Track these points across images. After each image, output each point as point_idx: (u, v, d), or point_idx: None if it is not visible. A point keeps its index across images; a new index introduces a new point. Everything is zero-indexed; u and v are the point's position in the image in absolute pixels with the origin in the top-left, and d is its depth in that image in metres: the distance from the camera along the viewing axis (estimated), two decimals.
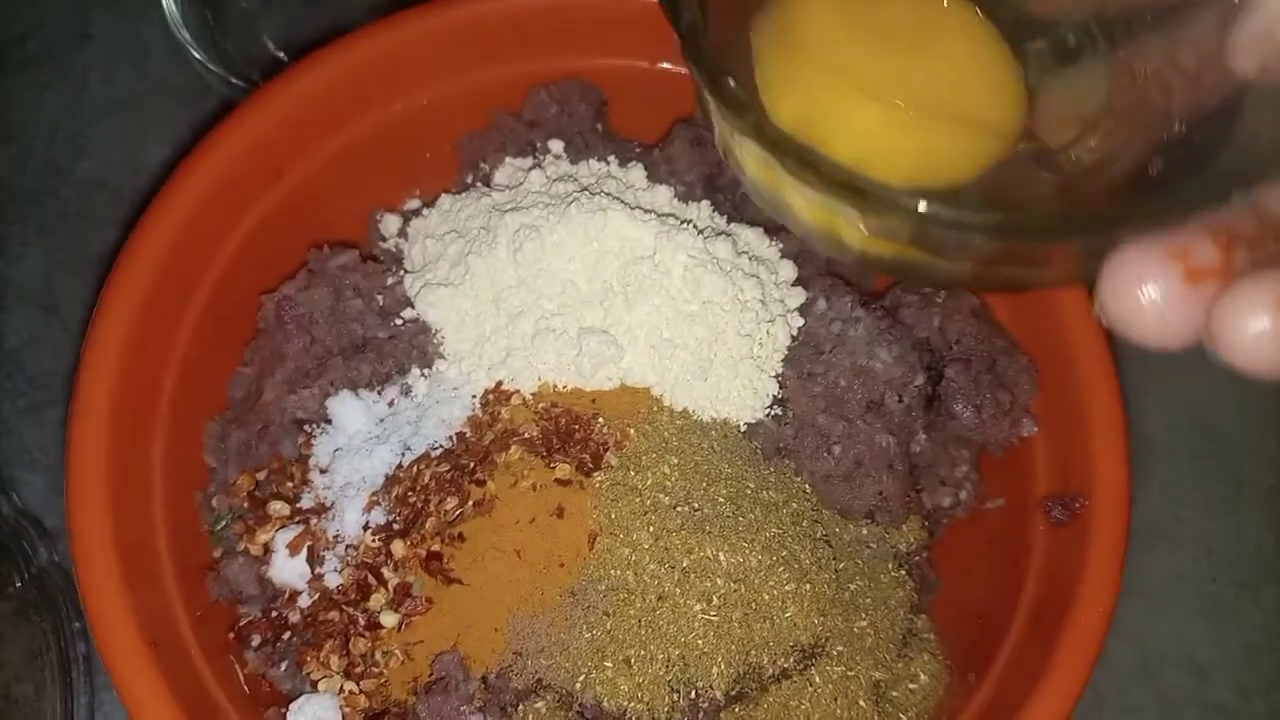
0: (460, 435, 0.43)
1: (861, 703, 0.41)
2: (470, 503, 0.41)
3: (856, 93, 0.30)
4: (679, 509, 0.40)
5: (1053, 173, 0.32)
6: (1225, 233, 0.24)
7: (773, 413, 0.44)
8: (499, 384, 0.44)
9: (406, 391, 0.45)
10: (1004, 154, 0.31)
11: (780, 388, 0.44)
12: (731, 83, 0.28)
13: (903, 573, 0.45)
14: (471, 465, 0.42)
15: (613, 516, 0.40)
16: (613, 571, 0.39)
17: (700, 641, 0.38)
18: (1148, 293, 0.23)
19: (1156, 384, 0.64)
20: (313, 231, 0.49)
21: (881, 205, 0.26)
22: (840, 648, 0.41)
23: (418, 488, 0.42)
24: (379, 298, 0.46)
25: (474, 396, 0.44)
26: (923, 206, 0.25)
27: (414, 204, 0.52)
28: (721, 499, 0.41)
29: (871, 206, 0.26)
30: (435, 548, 0.41)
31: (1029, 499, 0.46)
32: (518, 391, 0.43)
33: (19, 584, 0.52)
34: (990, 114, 0.31)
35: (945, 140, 0.31)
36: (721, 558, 0.39)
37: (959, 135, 0.31)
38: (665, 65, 0.52)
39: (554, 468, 0.41)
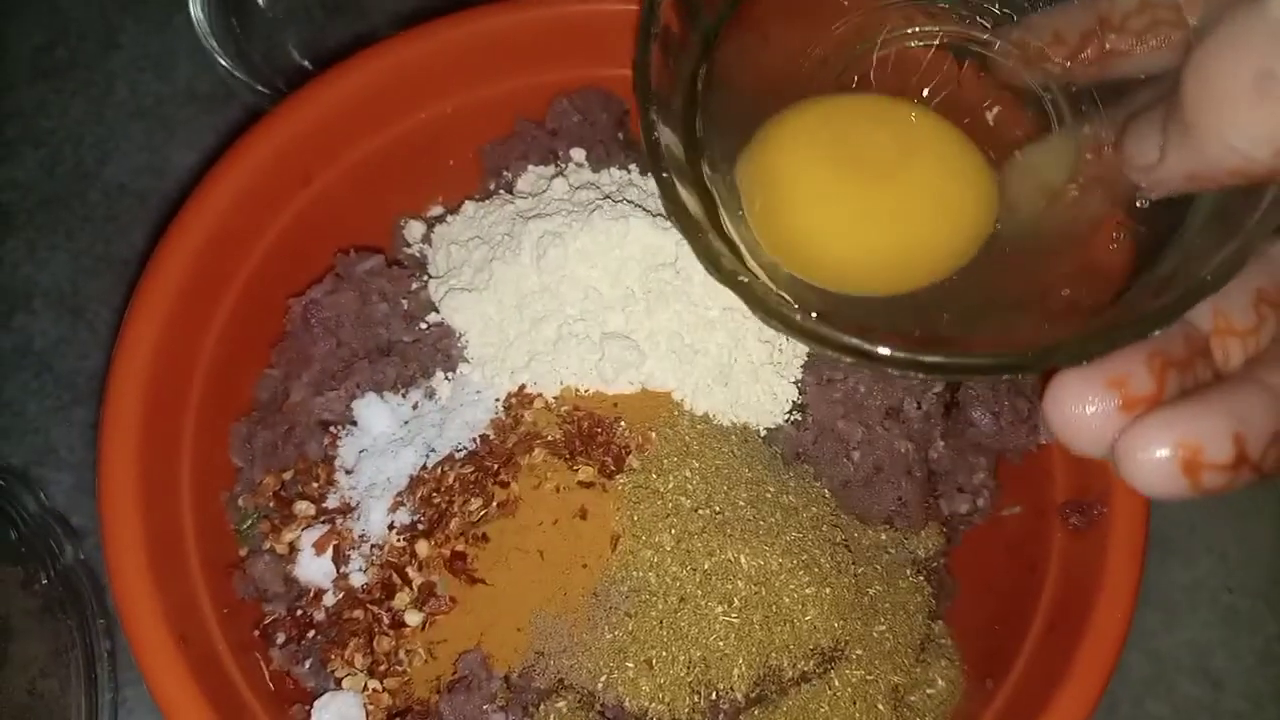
0: (484, 438, 0.43)
1: (880, 707, 0.41)
2: (494, 504, 0.42)
3: (830, 223, 0.33)
4: (700, 511, 0.41)
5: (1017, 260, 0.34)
6: (1160, 359, 0.27)
7: (792, 418, 0.45)
8: (522, 387, 0.44)
9: (430, 394, 0.45)
10: (972, 255, 0.33)
11: (800, 393, 0.45)
12: (710, 238, 0.32)
13: (921, 578, 0.45)
14: (495, 467, 0.42)
15: (635, 518, 0.41)
16: (635, 573, 0.40)
17: (721, 643, 0.39)
18: (1088, 416, 0.26)
19: None
20: (339, 237, 0.50)
21: (841, 350, 0.30)
22: (859, 652, 0.41)
23: (442, 489, 0.42)
24: (404, 302, 0.47)
25: (497, 400, 0.44)
26: (883, 351, 0.29)
27: (437, 210, 0.53)
28: (742, 502, 0.41)
29: (830, 349, 0.30)
30: (459, 548, 0.41)
31: (1047, 506, 0.46)
32: (540, 395, 0.44)
33: (45, 581, 0.52)
34: (959, 223, 0.33)
35: (916, 255, 0.33)
36: (743, 560, 0.39)
37: (928, 249, 0.33)
38: None
39: (577, 470, 0.42)
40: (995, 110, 0.36)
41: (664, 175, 0.32)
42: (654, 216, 0.45)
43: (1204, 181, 0.28)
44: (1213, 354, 0.29)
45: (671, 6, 0.34)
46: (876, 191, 0.33)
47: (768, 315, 0.31)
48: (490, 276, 0.45)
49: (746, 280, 0.31)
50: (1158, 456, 0.25)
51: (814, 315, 0.31)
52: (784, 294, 0.32)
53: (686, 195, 0.32)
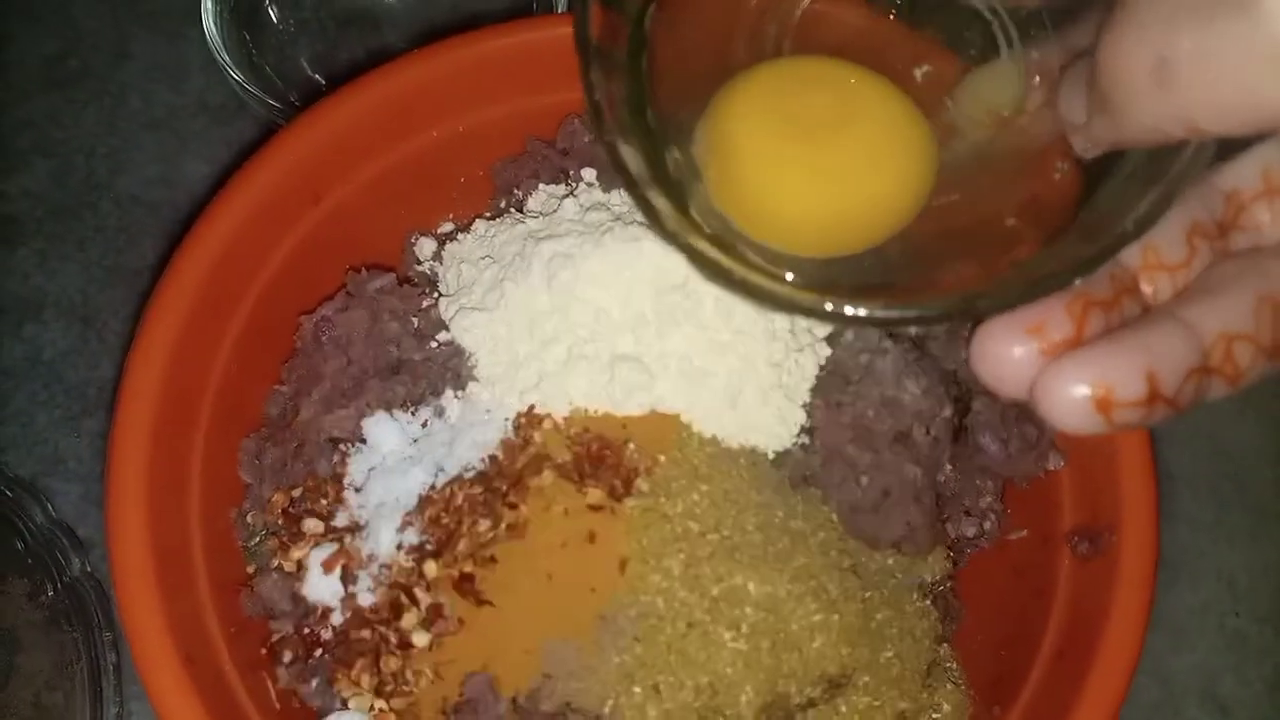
0: (493, 458, 0.43)
1: None
2: (503, 525, 0.42)
3: (777, 185, 0.34)
4: (709, 536, 0.41)
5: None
6: (1082, 300, 0.28)
7: (800, 441, 0.45)
8: (531, 408, 0.44)
9: (440, 413, 0.45)
10: (917, 210, 0.33)
11: (808, 416, 0.45)
12: (652, 194, 0.32)
13: (928, 603, 0.45)
14: (504, 488, 0.42)
15: (644, 543, 0.41)
16: (643, 598, 0.40)
17: (729, 670, 0.39)
18: (1011, 361, 0.27)
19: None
20: (349, 254, 0.50)
21: (787, 306, 0.31)
22: (866, 678, 0.41)
23: (451, 509, 0.42)
24: (414, 320, 0.47)
25: (506, 420, 0.44)
26: (828, 306, 0.30)
27: (447, 227, 0.53)
28: (751, 527, 0.41)
29: (778, 306, 0.31)
30: (467, 569, 0.41)
31: (1054, 531, 0.46)
32: (550, 416, 0.44)
33: (51, 593, 0.53)
34: (900, 185, 0.33)
35: (858, 214, 0.34)
36: (751, 587, 0.39)
37: (871, 209, 0.33)
38: None
39: (586, 493, 0.42)
40: (924, 68, 0.36)
41: (606, 136, 0.32)
42: None
43: (1130, 145, 0.29)
44: (1142, 289, 0.29)
45: None
46: (823, 152, 0.34)
47: (714, 276, 0.31)
48: (501, 296, 0.45)
49: (689, 241, 0.31)
50: (1072, 396, 0.26)
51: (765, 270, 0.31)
52: (733, 256, 0.32)
53: (630, 154, 0.32)
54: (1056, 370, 0.26)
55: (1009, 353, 0.27)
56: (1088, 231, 0.30)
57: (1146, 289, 0.29)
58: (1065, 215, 0.31)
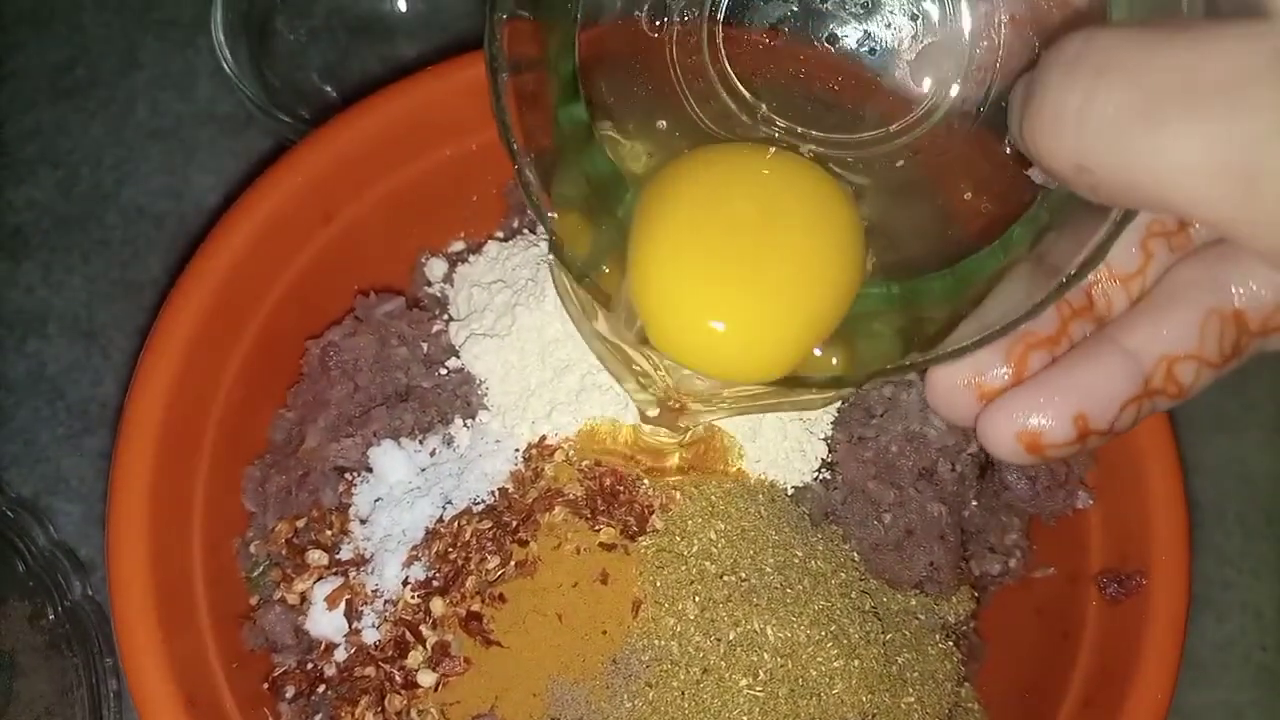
0: (503, 491, 0.42)
1: None
2: (512, 563, 0.40)
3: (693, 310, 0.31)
4: (726, 578, 0.39)
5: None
6: (1021, 344, 0.29)
7: (821, 477, 0.43)
8: (543, 439, 0.43)
9: (449, 442, 0.44)
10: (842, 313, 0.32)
11: (830, 450, 0.44)
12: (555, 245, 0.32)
13: (950, 644, 0.44)
14: (514, 524, 0.41)
15: (658, 584, 0.39)
16: (657, 641, 0.39)
17: (745, 717, 0.38)
18: (956, 403, 0.29)
19: (1202, 442, 0.63)
20: (358, 275, 0.49)
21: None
22: None
23: (458, 544, 0.41)
24: (424, 346, 0.46)
25: (517, 450, 0.43)
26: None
27: (459, 247, 0.52)
28: (769, 568, 0.40)
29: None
30: (475, 608, 0.40)
31: (1082, 571, 0.45)
32: (561, 447, 0.43)
33: (52, 617, 0.52)
34: (829, 288, 0.32)
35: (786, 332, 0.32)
36: (769, 632, 0.38)
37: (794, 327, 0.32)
38: None
39: (598, 530, 0.41)
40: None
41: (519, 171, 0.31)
42: None
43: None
44: (1095, 304, 0.30)
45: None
46: (745, 267, 0.31)
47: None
48: (513, 322, 0.44)
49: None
50: (1004, 438, 0.28)
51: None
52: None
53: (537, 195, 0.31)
54: (991, 413, 0.28)
55: (953, 391, 0.29)
56: (1038, 258, 0.30)
57: (1100, 303, 0.29)
58: (1018, 190, 0.31)
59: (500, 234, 0.51)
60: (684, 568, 0.40)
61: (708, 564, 0.40)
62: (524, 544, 0.40)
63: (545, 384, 0.43)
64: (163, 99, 0.66)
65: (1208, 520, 0.62)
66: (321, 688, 0.42)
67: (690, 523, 0.41)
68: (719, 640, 0.38)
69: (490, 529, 0.41)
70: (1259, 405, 0.64)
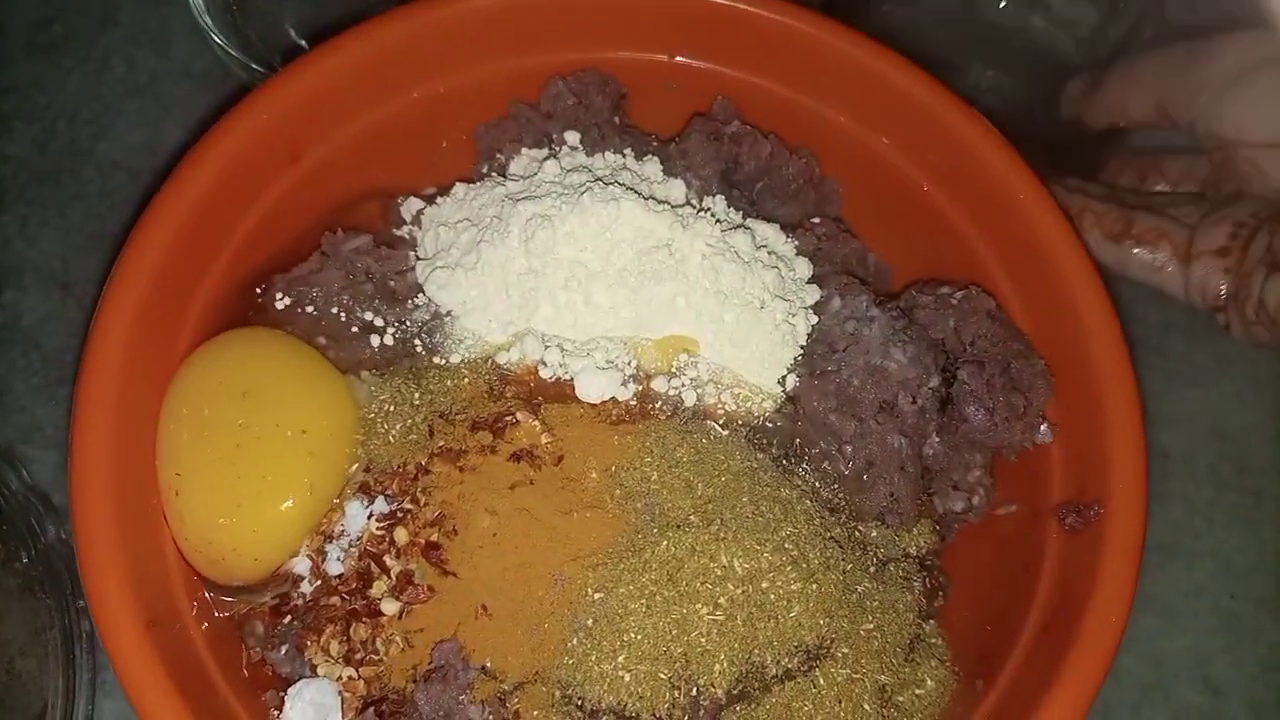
0: (471, 419, 0.42)
1: (866, 706, 0.40)
2: (472, 495, 0.41)
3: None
4: (687, 504, 0.40)
5: None
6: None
7: (784, 410, 0.44)
8: (506, 369, 0.43)
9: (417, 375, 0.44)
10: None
11: (791, 373, 0.44)
12: None
13: (911, 577, 0.44)
14: (476, 450, 0.41)
15: (622, 510, 0.40)
16: (618, 567, 0.39)
17: (703, 639, 0.38)
18: None
19: (1175, 395, 0.63)
20: (328, 218, 0.49)
21: None
22: (845, 650, 0.40)
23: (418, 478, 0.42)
24: (391, 283, 0.46)
25: (484, 377, 0.43)
26: None
27: (429, 192, 0.52)
28: (743, 499, 0.40)
29: None
30: (433, 538, 0.41)
31: (1043, 505, 0.45)
32: (525, 380, 0.43)
33: (25, 560, 0.52)
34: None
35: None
36: (736, 564, 0.38)
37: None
38: (683, 59, 0.52)
39: (561, 461, 0.41)
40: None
41: None
42: (646, 200, 0.44)
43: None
44: None
45: None
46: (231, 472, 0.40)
47: None
48: (478, 259, 0.44)
49: None
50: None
51: None
52: None
53: None
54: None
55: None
56: None
57: None
58: None
59: (470, 179, 0.51)
60: (648, 497, 0.40)
61: (670, 492, 0.40)
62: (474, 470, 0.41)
63: (510, 316, 0.43)
64: (139, 55, 0.66)
65: (1179, 471, 0.62)
66: (288, 618, 0.42)
67: (655, 455, 0.41)
68: (680, 565, 0.38)
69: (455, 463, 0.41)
70: (1231, 359, 0.64)
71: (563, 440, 0.42)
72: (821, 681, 0.40)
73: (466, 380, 0.43)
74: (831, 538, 0.42)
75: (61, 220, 0.62)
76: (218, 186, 0.44)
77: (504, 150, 0.51)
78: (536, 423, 0.42)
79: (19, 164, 0.63)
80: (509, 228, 0.44)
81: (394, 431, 0.43)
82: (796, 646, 0.39)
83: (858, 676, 0.41)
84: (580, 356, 0.43)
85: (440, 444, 0.41)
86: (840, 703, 0.40)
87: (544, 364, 0.43)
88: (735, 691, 0.39)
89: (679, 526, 0.40)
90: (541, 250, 0.43)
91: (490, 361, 0.44)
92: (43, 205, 0.62)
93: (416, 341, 0.45)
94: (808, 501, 0.42)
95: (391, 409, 0.43)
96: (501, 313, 0.44)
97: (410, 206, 0.50)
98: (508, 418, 0.42)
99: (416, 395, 0.43)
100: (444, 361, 0.44)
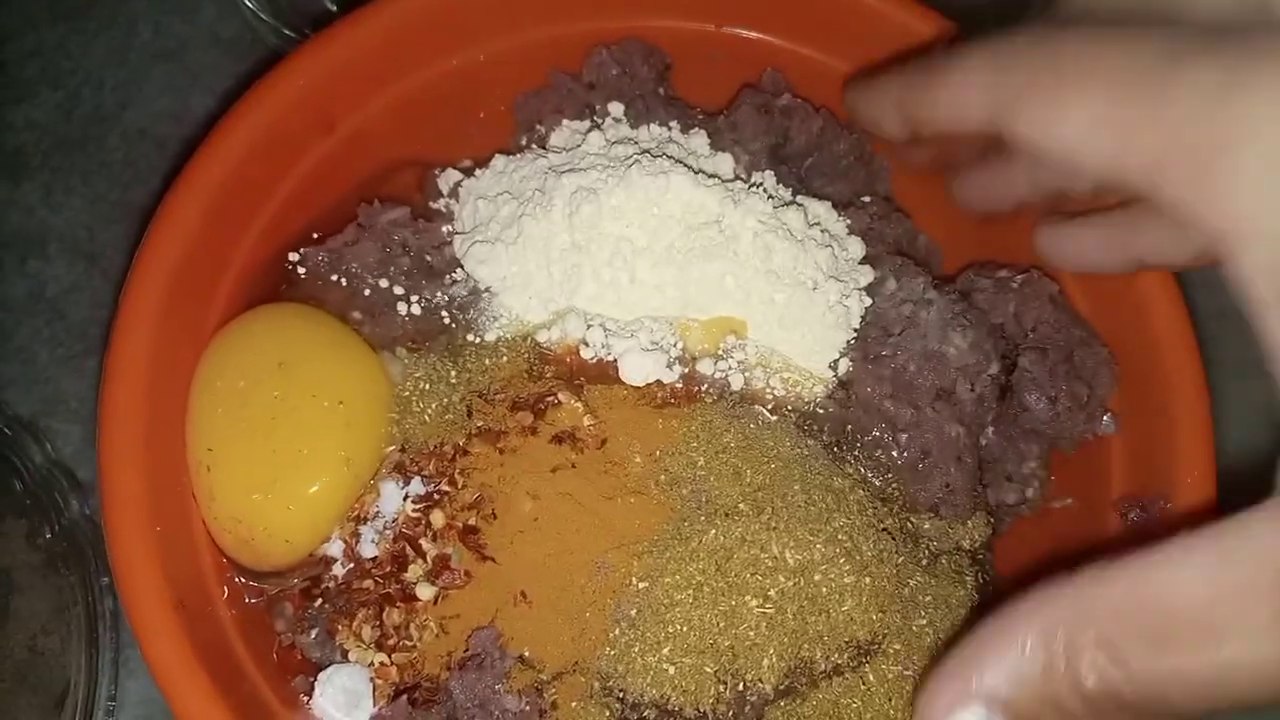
0: (512, 399, 0.41)
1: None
2: (513, 480, 0.39)
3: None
4: (735, 491, 0.38)
5: None
6: None
7: (837, 396, 0.42)
8: (548, 347, 0.42)
9: (454, 353, 0.43)
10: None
11: (849, 369, 0.42)
12: None
13: (964, 571, 0.42)
14: (515, 433, 0.40)
15: (667, 497, 0.38)
16: (664, 556, 0.37)
17: (752, 633, 0.36)
18: None
19: (1233, 386, 0.61)
20: (364, 189, 0.47)
21: None
22: (897, 646, 0.39)
23: (456, 459, 0.40)
24: (428, 257, 0.44)
25: (524, 356, 0.42)
26: None
27: (467, 164, 0.50)
28: (794, 487, 0.38)
29: None
30: (471, 521, 0.39)
31: (1101, 499, 0.43)
32: (566, 360, 0.41)
33: (49, 535, 0.51)
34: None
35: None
36: (788, 555, 0.37)
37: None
38: (732, 29, 0.50)
39: (604, 444, 0.39)
40: None
41: None
42: (695, 174, 0.42)
43: None
44: None
45: None
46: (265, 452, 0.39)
47: None
48: (519, 233, 0.43)
49: None
50: None
51: None
52: None
53: None
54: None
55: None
56: None
57: None
58: None
59: (509, 151, 0.49)
60: (695, 484, 0.38)
61: (719, 480, 0.38)
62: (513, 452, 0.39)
63: (552, 292, 0.42)
64: (166, 21, 0.65)
65: (1236, 465, 0.60)
66: (319, 601, 0.41)
67: (704, 441, 0.39)
68: (728, 556, 0.37)
69: (494, 444, 0.40)
70: None
71: (605, 423, 0.41)
72: (871, 678, 0.38)
73: (505, 359, 0.42)
74: (885, 529, 0.40)
75: (86, 188, 0.61)
76: (252, 155, 0.43)
77: (544, 121, 0.49)
78: (579, 404, 0.41)
79: (43, 130, 0.62)
80: (552, 201, 0.42)
81: (430, 410, 0.41)
82: (847, 642, 0.38)
83: (909, 674, 0.39)
84: (624, 337, 0.41)
85: (479, 424, 0.40)
86: (890, 700, 0.39)
87: (586, 344, 0.41)
88: (783, 686, 0.37)
89: (728, 515, 0.38)
90: (586, 225, 0.41)
91: (530, 340, 0.42)
92: (67, 173, 0.61)
93: (453, 318, 0.44)
94: (860, 491, 0.40)
95: (427, 387, 0.42)
96: (543, 290, 0.42)
97: (448, 179, 0.48)
98: (549, 398, 0.41)
99: (453, 374, 0.42)
100: (480, 339, 0.43)
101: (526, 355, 0.41)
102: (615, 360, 0.41)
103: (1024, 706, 0.27)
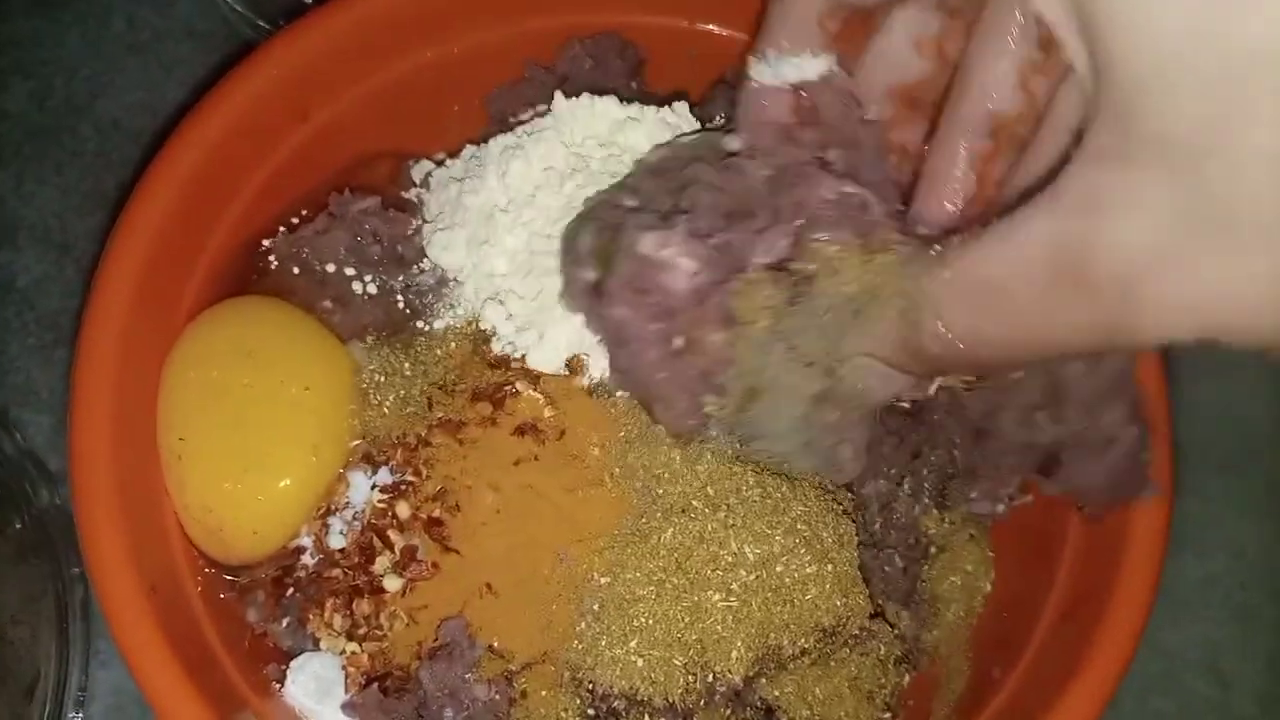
0: (474, 389, 0.41)
1: (883, 678, 0.40)
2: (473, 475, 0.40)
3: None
4: (688, 490, 0.38)
5: None
6: None
7: None
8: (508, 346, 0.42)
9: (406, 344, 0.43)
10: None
11: None
12: None
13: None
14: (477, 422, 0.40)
15: (623, 491, 0.39)
16: (627, 550, 0.38)
17: (718, 626, 0.37)
18: None
19: (1190, 385, 0.62)
20: (336, 179, 0.47)
21: None
22: (861, 627, 0.39)
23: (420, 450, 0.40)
24: (399, 247, 0.45)
25: (471, 342, 0.42)
26: None
27: (440, 156, 0.50)
28: (749, 479, 0.39)
29: None
30: (436, 514, 0.40)
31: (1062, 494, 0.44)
32: (526, 354, 0.42)
33: (19, 525, 0.51)
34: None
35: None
36: (747, 550, 0.37)
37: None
38: (706, 26, 0.50)
39: (564, 435, 0.40)
40: None
41: None
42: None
43: None
44: None
45: None
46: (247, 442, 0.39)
47: None
48: (464, 210, 0.43)
49: None
50: None
51: None
52: None
53: None
54: None
55: None
56: None
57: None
58: None
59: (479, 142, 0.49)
60: (657, 475, 0.39)
61: (677, 477, 0.39)
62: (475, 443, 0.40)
63: (488, 267, 0.42)
64: (140, 13, 0.64)
65: (1192, 460, 0.61)
66: (290, 590, 0.41)
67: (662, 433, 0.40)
68: (690, 554, 0.37)
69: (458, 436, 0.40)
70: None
71: (565, 414, 0.41)
72: (837, 660, 0.39)
73: (454, 346, 0.42)
74: (844, 511, 0.40)
75: (58, 178, 0.60)
76: (225, 143, 0.43)
77: (515, 115, 0.50)
78: (539, 395, 0.41)
79: (15, 120, 0.62)
80: (485, 167, 0.43)
81: (388, 402, 0.41)
82: (813, 627, 0.38)
83: (873, 655, 0.40)
84: (528, 330, 0.41)
85: (439, 415, 0.40)
86: (856, 680, 0.39)
87: (497, 337, 0.41)
88: (751, 674, 0.38)
89: (684, 511, 0.38)
90: (518, 182, 0.41)
91: (474, 326, 0.42)
92: (39, 162, 0.61)
93: (418, 307, 0.44)
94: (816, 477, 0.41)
95: (381, 379, 0.42)
96: (492, 268, 0.42)
97: (421, 170, 0.48)
98: (507, 388, 0.41)
99: (407, 366, 0.42)
100: (430, 328, 0.43)
101: (473, 341, 0.42)
102: (524, 356, 0.41)
103: None
